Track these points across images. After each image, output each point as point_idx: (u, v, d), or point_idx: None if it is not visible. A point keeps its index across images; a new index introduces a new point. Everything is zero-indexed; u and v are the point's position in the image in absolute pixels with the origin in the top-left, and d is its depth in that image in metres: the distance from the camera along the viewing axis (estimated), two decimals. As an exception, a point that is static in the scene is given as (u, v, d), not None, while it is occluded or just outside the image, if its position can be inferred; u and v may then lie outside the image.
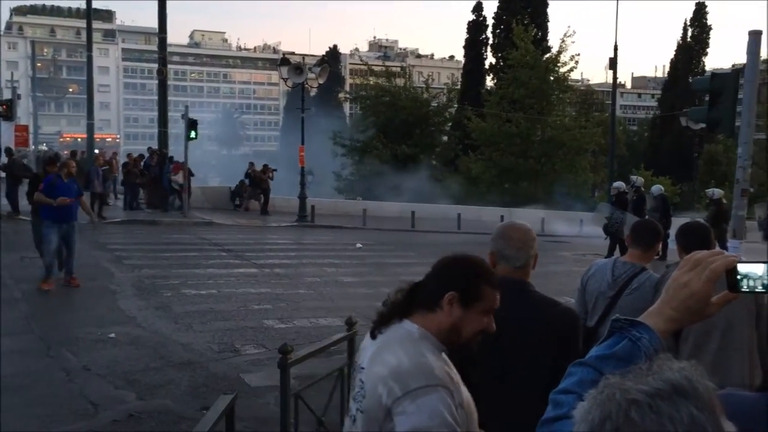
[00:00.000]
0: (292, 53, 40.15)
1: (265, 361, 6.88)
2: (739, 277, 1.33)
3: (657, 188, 18.00)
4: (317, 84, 23.89)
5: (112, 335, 7.58)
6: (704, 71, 53.75)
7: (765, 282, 1.32)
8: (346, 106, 66.76)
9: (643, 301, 3.76)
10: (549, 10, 45.45)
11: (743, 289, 1.33)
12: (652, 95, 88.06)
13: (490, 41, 47.00)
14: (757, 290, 1.33)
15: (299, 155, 22.21)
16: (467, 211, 25.59)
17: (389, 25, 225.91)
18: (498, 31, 45.67)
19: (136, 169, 22.23)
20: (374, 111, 37.17)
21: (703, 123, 6.83)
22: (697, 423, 0.94)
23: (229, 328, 8.23)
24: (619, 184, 17.94)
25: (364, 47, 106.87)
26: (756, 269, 1.32)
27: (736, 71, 6.55)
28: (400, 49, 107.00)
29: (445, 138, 40.40)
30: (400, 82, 39.18)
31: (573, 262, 16.99)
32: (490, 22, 47.23)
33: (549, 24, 44.97)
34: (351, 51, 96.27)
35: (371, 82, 39.32)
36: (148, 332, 7.85)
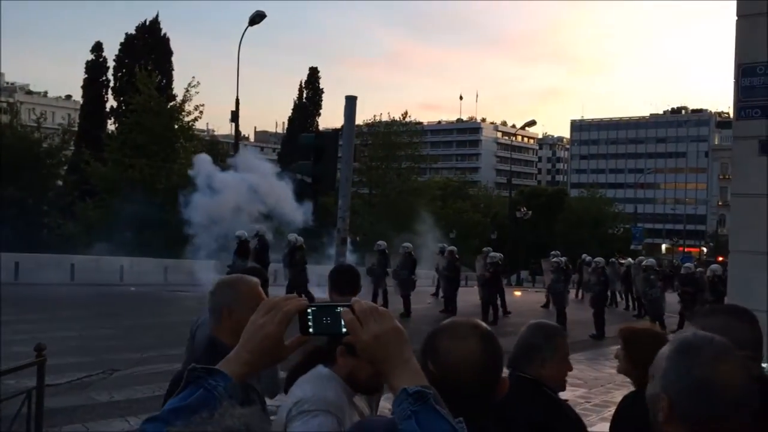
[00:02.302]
0: None
1: None
2: (309, 319, 1.39)
3: (293, 236, 18.89)
4: None
5: None
6: (317, 129, 58.80)
7: (330, 325, 1.38)
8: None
9: None
10: (173, 59, 45.47)
11: (312, 331, 1.39)
12: (273, 149, 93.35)
13: (111, 84, 45.12)
14: (324, 333, 1.40)
15: None
16: (83, 261, 23.80)
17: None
18: (120, 74, 44.09)
19: None
20: (-29, 149, 32.62)
21: (309, 177, 7.45)
22: None
23: None
24: (241, 232, 18.43)
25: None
26: (325, 313, 1.39)
27: (336, 131, 7.32)
28: (7, 83, 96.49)
29: (60, 182, 37.31)
30: (5, 118, 35.24)
31: (197, 311, 16.86)
32: (111, 64, 45.41)
33: (174, 72, 44.93)
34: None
35: (-32, 116, 34.64)
36: None
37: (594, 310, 16.91)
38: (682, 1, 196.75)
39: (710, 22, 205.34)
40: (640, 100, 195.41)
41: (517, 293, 28.44)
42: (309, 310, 1.40)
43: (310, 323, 1.40)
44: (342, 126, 7.51)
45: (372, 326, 1.36)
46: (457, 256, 19.50)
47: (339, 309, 1.39)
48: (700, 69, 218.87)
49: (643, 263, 19.04)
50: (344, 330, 1.38)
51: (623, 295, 24.42)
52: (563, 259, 18.78)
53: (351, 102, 7.16)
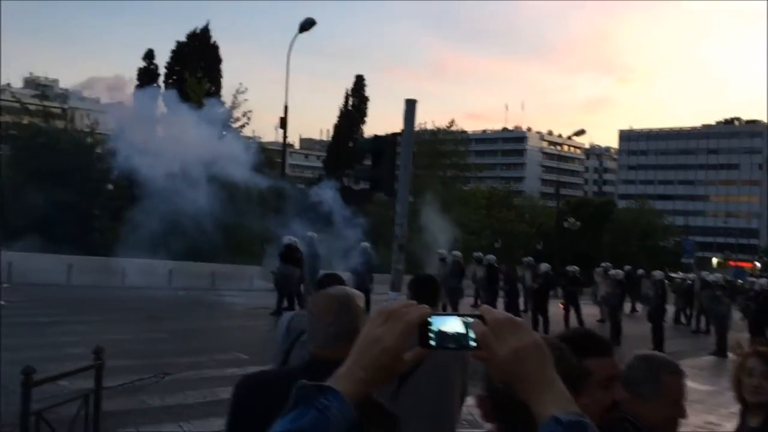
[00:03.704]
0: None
1: None
2: (431, 331, 1.21)
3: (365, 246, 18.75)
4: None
5: None
6: (363, 136, 59.05)
7: (457, 338, 1.20)
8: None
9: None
10: (222, 67, 46.17)
11: (434, 344, 1.21)
12: (318, 156, 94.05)
13: (162, 90, 45.95)
14: (449, 346, 1.21)
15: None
16: (132, 264, 24.11)
17: (50, 64, 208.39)
18: (170, 81, 44.91)
19: None
20: (28, 153, 33.48)
21: (367, 181, 7.32)
22: None
23: None
24: (288, 238, 18.27)
25: (18, 83, 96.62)
26: (450, 323, 1.21)
27: (395, 135, 7.16)
28: (62, 89, 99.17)
29: (111, 187, 37.99)
30: (60, 124, 36.09)
31: (245, 316, 16.91)
32: (162, 71, 46.30)
33: (222, 80, 45.62)
34: (2, 86, 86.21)
35: (25, 122, 35.58)
36: None
37: (652, 325, 16.45)
38: (736, 2, 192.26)
39: (764, 29, 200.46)
40: (691, 110, 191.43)
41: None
42: (431, 320, 1.21)
43: (431, 335, 1.21)
44: (400, 131, 7.35)
45: (509, 340, 1.17)
46: (495, 265, 19.48)
47: (467, 319, 1.21)
48: (754, 78, 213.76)
49: (709, 278, 18.51)
50: (473, 344, 1.19)
51: (684, 312, 23.49)
52: (621, 271, 18.33)
53: (411, 105, 6.98)
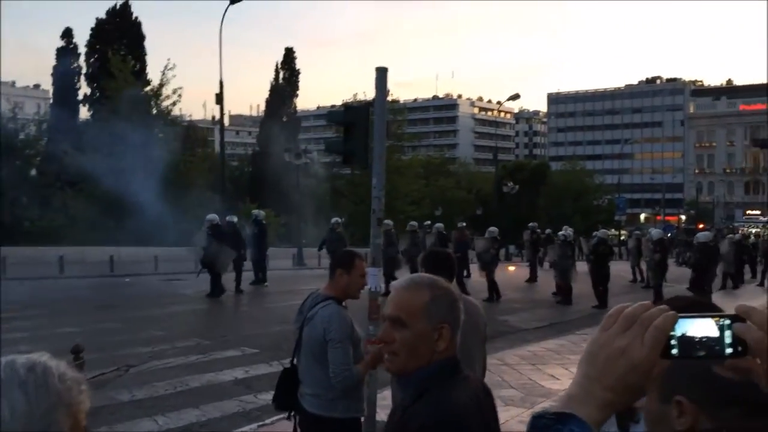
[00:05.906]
0: None
1: None
2: (672, 337, 0.96)
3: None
4: None
5: None
6: (296, 111, 58.10)
7: (708, 344, 0.95)
8: None
9: (313, 331, 3.67)
10: (146, 44, 44.49)
11: (676, 354, 0.96)
12: (249, 132, 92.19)
13: (84, 70, 44.02)
14: (697, 354, 0.96)
15: None
16: (70, 253, 23.12)
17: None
18: (92, 60, 43.04)
19: None
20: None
21: (340, 154, 7.05)
22: None
23: None
24: (212, 216, 17.36)
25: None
26: (697, 326, 0.96)
27: (367, 105, 6.86)
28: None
29: (33, 172, 36.36)
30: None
31: (197, 300, 16.42)
32: (82, 50, 44.29)
33: (147, 57, 43.95)
34: None
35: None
36: None
37: (593, 281, 16.73)
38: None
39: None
40: (616, 71, 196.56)
41: (511, 268, 28.25)
42: (678, 324, 0.97)
43: (673, 342, 0.96)
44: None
45: None
46: (444, 233, 20.48)
47: (724, 321, 0.96)
48: (674, 36, 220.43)
49: (648, 235, 19.05)
50: (731, 351, 0.95)
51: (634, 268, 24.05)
52: (570, 231, 18.52)
53: (382, 74, 6.69)
